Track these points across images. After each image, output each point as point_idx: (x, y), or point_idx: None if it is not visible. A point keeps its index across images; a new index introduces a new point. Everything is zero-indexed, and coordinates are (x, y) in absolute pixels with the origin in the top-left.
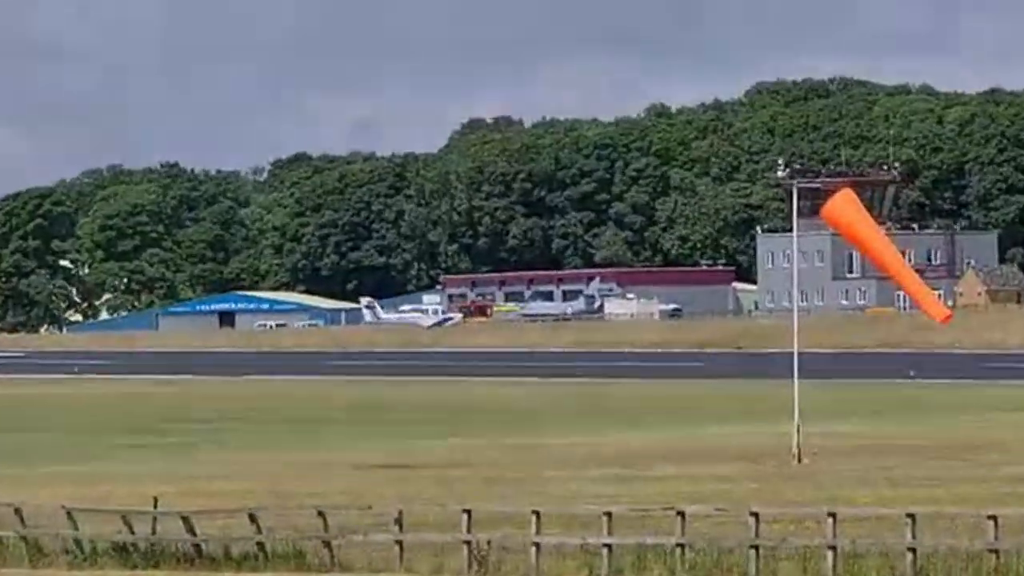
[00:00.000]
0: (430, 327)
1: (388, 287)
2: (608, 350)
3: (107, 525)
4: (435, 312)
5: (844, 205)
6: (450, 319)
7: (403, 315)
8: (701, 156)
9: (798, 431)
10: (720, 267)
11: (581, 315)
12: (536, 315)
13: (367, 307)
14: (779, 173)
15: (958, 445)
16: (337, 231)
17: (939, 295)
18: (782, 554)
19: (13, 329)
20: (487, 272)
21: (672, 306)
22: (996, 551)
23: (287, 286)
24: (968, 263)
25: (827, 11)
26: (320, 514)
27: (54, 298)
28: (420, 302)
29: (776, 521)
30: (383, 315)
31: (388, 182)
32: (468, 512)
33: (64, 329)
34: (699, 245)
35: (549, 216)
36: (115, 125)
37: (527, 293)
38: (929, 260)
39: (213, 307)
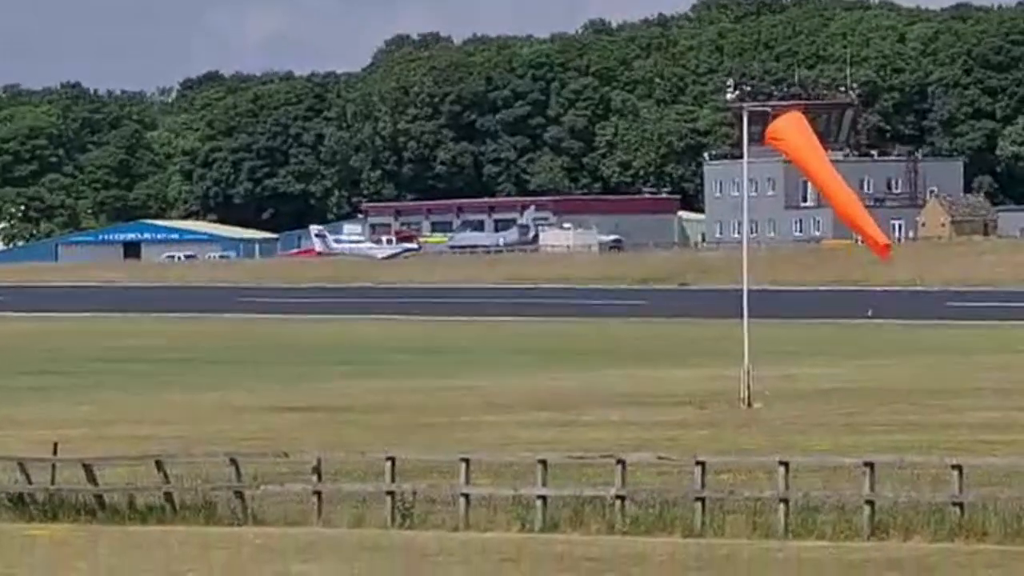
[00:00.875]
0: (385, 258)
1: (306, 216)
2: (543, 285)
3: (2, 473)
4: (390, 242)
5: (788, 126)
6: (408, 250)
7: (356, 245)
8: (644, 76)
9: (748, 374)
10: (664, 195)
11: (514, 247)
12: (465, 247)
13: (317, 235)
14: (728, 95)
15: (921, 389)
16: (252, 156)
17: (900, 225)
18: (730, 506)
19: None
20: (413, 200)
21: (612, 237)
22: (960, 504)
23: (197, 215)
24: (931, 192)
25: None
26: (232, 462)
27: None
28: (341, 232)
29: (724, 471)
30: (334, 245)
31: (307, 103)
32: (392, 460)
33: None
34: (642, 172)
35: (480, 140)
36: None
37: (456, 223)
38: (889, 188)
39: (117, 237)
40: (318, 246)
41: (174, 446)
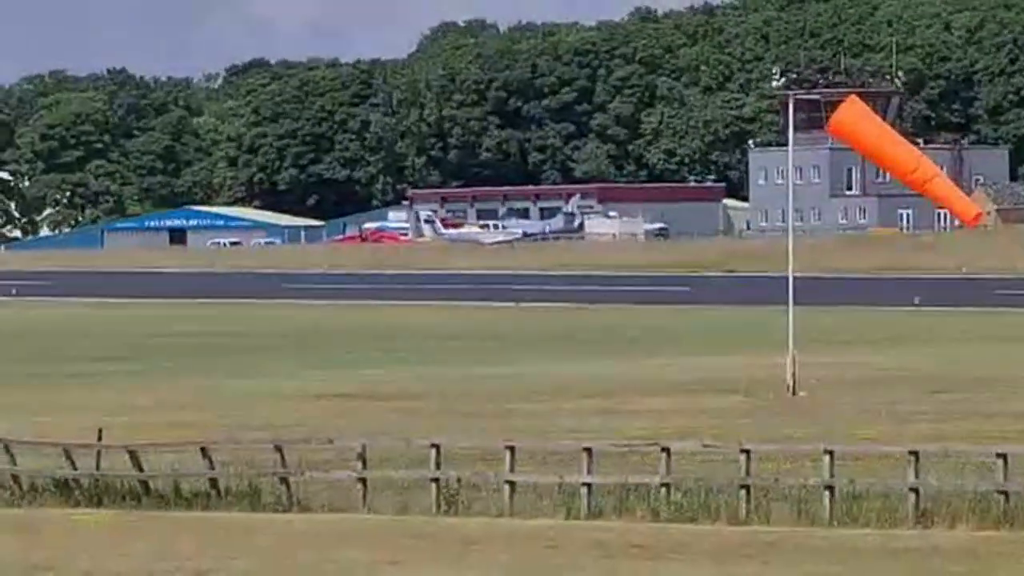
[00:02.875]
0: (491, 244)
1: (351, 202)
2: (588, 272)
3: (48, 460)
4: (498, 228)
5: (851, 114)
6: (516, 237)
7: (465, 231)
8: (690, 64)
9: (793, 361)
10: (709, 183)
11: (559, 234)
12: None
13: (426, 221)
14: (774, 83)
15: (966, 377)
16: (297, 142)
17: (945, 214)
18: (775, 494)
19: None
20: (458, 187)
21: (658, 225)
22: (1005, 492)
23: (243, 201)
24: (977, 180)
25: None
26: (277, 449)
27: None
28: (386, 218)
29: (769, 458)
30: (443, 230)
31: (352, 90)
32: (436, 447)
33: (2, 247)
34: (687, 160)
35: (525, 128)
36: (57, 28)
37: (501, 210)
38: None
39: (163, 223)
40: (427, 231)
41: (219, 432)
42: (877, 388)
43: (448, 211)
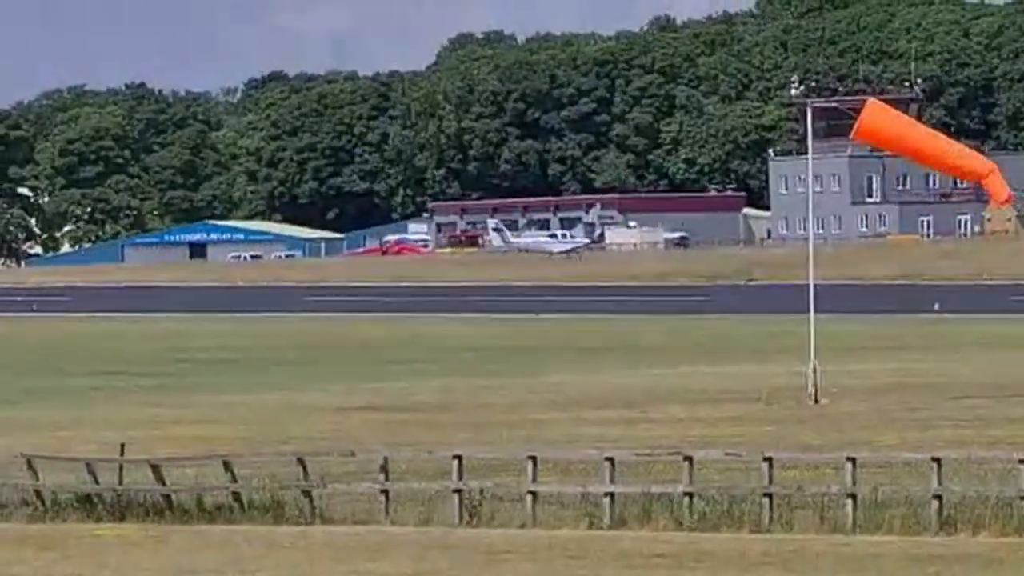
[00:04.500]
0: (560, 253)
1: (371, 215)
2: (609, 283)
3: (70, 475)
4: (564, 236)
5: (875, 117)
6: (581, 245)
7: (533, 240)
8: (709, 73)
9: (815, 370)
10: (729, 192)
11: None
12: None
13: (495, 230)
14: (793, 91)
15: (988, 384)
16: (316, 155)
17: (966, 221)
18: (798, 502)
19: None
20: (478, 199)
21: (678, 234)
22: None
23: (262, 215)
24: None
25: None
26: (299, 461)
27: (11, 229)
28: (406, 231)
29: (792, 467)
30: (512, 240)
31: (371, 102)
32: (459, 458)
33: (23, 263)
34: (707, 169)
35: (545, 138)
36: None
37: (521, 221)
38: (955, 184)
39: (183, 237)
40: (496, 240)
41: (241, 446)
42: (899, 395)
43: (468, 222)
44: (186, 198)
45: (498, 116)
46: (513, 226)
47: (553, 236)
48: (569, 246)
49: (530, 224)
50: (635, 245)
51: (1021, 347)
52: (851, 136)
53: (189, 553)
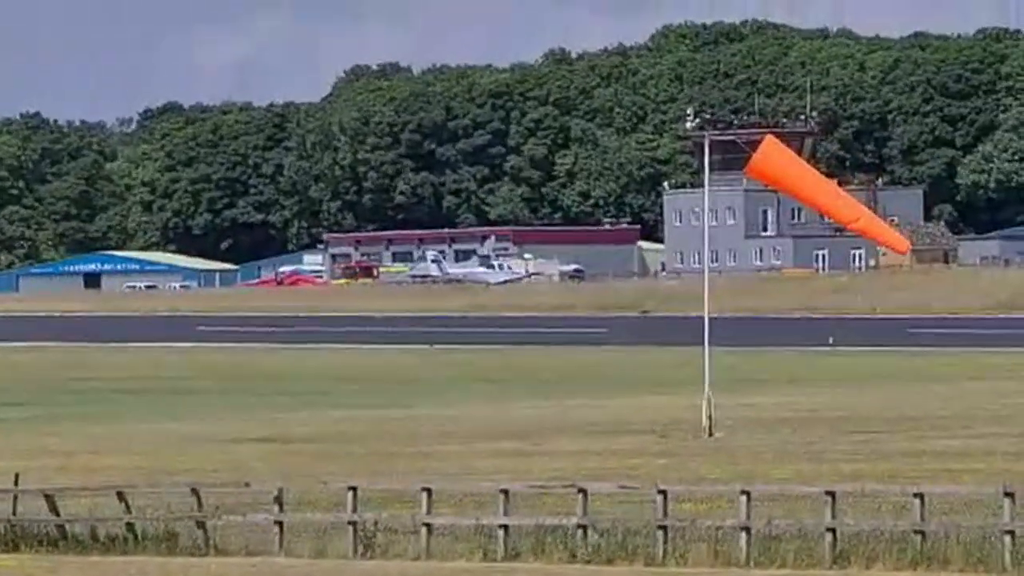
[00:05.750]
0: (497, 284)
1: (266, 246)
2: (504, 314)
3: None
4: (503, 268)
5: (769, 155)
6: (521, 276)
7: (472, 271)
8: (604, 106)
9: (709, 402)
10: (624, 225)
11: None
12: (425, 276)
13: (433, 260)
14: (688, 124)
15: (882, 417)
16: (211, 186)
17: (860, 255)
18: (692, 535)
19: None
20: (373, 230)
21: (573, 267)
22: (922, 532)
23: (157, 245)
24: (891, 220)
25: None
26: (194, 492)
27: None
28: (301, 262)
29: (686, 500)
30: (450, 270)
31: (266, 133)
32: (353, 490)
33: None
34: (602, 202)
35: (440, 170)
36: None
37: (416, 253)
38: None
39: (78, 268)
40: (433, 271)
41: (136, 477)
42: (793, 428)
43: (363, 254)
44: (81, 229)
45: (393, 148)
46: (408, 257)
47: (491, 267)
48: (505, 277)
49: (425, 256)
50: (530, 277)
51: (916, 380)
52: (745, 172)
53: None
